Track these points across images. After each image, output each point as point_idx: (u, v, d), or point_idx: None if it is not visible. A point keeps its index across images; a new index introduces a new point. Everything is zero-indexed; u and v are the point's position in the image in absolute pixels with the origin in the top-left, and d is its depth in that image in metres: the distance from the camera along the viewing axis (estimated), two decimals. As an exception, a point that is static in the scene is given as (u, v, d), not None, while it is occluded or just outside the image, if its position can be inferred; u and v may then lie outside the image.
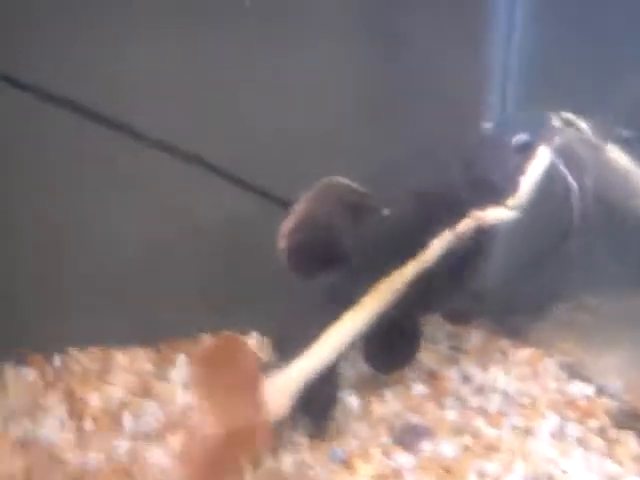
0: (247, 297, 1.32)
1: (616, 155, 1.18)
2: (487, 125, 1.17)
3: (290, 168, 1.26)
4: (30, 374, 1.22)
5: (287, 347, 1.01)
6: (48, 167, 1.22)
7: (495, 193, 1.04)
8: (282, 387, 0.97)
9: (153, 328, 1.32)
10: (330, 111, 1.31)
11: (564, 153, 1.08)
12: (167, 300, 1.31)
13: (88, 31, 1.20)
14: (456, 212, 1.03)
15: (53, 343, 1.29)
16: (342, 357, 1.04)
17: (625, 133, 1.16)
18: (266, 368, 1.00)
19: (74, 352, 1.29)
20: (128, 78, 1.22)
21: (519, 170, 1.05)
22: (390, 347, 1.10)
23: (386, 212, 1.01)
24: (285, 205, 1.12)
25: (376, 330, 1.03)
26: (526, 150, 1.05)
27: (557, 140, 1.07)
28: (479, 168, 1.06)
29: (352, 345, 1.03)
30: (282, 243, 0.99)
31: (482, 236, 1.03)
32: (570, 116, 1.13)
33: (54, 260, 1.27)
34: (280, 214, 1.13)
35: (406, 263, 1.01)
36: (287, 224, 0.99)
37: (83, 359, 1.28)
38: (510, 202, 1.04)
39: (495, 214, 1.03)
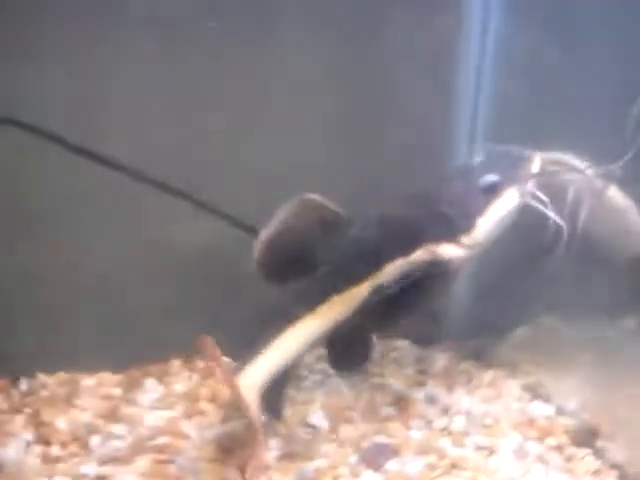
0: (218, 323, 1.34)
1: (611, 193, 1.21)
2: (474, 159, 1.21)
3: (259, 197, 1.30)
4: (-4, 398, 1.22)
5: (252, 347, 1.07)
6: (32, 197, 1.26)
7: (451, 229, 1.09)
8: (250, 383, 1.02)
9: (122, 353, 1.33)
10: (300, 142, 1.36)
11: (543, 190, 1.12)
12: (137, 326, 1.33)
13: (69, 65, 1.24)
14: (414, 241, 1.08)
15: (21, 367, 1.29)
16: (299, 357, 1.09)
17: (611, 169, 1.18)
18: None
19: (42, 377, 1.29)
20: (107, 112, 1.26)
21: (479, 210, 1.10)
22: (345, 353, 1.18)
23: (353, 231, 1.07)
24: (254, 233, 1.16)
25: (335, 337, 1.11)
26: (493, 191, 1.11)
27: (532, 179, 1.12)
28: (442, 203, 1.11)
29: (308, 347, 1.08)
30: (257, 250, 1.05)
31: (433, 268, 1.08)
32: (558, 155, 1.18)
33: (25, 285, 1.28)
34: (249, 241, 1.18)
35: (363, 281, 1.06)
36: (263, 233, 1.05)
37: (51, 383, 1.28)
38: (464, 240, 1.09)
39: (446, 250, 1.09)
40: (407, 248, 1.06)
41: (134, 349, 1.33)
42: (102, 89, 1.26)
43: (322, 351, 1.40)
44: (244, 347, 1.38)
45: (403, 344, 1.43)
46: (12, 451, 1.10)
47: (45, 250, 1.29)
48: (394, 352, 1.41)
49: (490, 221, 1.10)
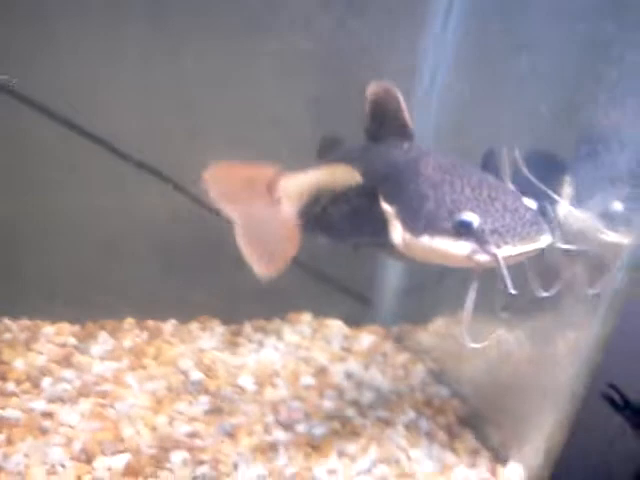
0: (168, 290, 1.48)
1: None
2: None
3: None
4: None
5: None
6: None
7: None
8: (295, 184, 1.02)
9: (81, 308, 1.46)
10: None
11: None
12: (97, 285, 1.45)
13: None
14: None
15: (-12, 311, 1.44)
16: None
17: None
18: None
19: (6, 321, 1.44)
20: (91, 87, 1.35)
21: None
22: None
23: None
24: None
25: None
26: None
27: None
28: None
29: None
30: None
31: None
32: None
33: (5, 239, 1.40)
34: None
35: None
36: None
37: (14, 328, 1.43)
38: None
39: None
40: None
41: (93, 305, 1.46)
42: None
43: (262, 323, 1.58)
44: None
45: (334, 323, 1.59)
46: (-29, 384, 1.26)
47: (21, 208, 1.40)
48: (325, 329, 1.57)
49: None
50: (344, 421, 1.26)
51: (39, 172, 1.39)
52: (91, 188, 1.43)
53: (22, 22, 1.30)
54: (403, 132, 1.07)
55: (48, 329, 1.44)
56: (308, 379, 1.39)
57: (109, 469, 1.09)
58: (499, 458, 1.19)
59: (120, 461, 1.11)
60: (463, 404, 1.31)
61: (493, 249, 0.89)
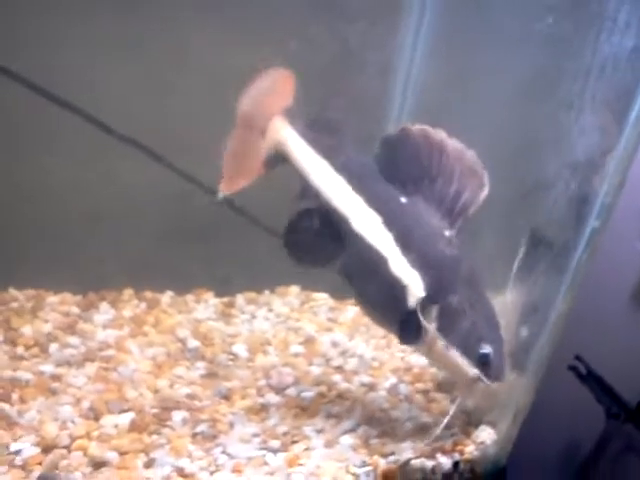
0: (166, 262, 1.57)
1: None
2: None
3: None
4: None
5: None
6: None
7: None
8: (283, 137, 1.14)
9: (84, 278, 1.54)
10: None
11: None
12: (99, 257, 1.52)
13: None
14: None
15: (-4, 281, 1.51)
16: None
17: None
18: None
19: (13, 291, 1.52)
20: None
21: None
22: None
23: None
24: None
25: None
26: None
27: None
28: None
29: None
30: None
31: None
32: None
33: (8, 213, 1.45)
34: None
35: None
36: None
37: (20, 298, 1.51)
38: None
39: None
40: None
41: (94, 276, 1.56)
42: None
43: (253, 295, 1.68)
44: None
45: (321, 296, 1.70)
46: (-17, 347, 1.35)
47: (25, 175, 1.46)
48: (313, 302, 1.68)
49: None
50: (330, 385, 1.37)
51: (29, 144, 1.44)
52: (84, 159, 1.49)
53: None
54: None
55: (52, 299, 1.53)
56: (297, 347, 1.49)
57: (116, 426, 1.19)
58: (471, 421, 1.31)
59: (125, 419, 1.20)
60: (440, 372, 1.43)
61: (491, 381, 1.11)
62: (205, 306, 1.62)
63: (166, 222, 1.54)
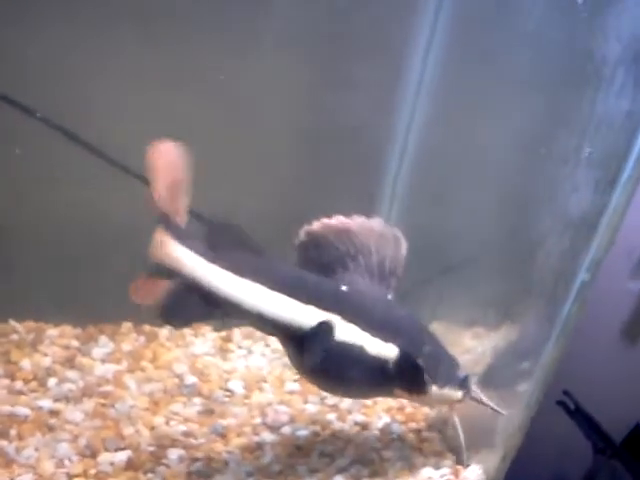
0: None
1: None
2: None
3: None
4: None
5: None
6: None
7: None
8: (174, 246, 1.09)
9: (83, 311, 1.55)
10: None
11: None
12: (97, 289, 1.52)
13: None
14: None
15: (-3, 314, 1.54)
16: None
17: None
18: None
19: (13, 323, 1.54)
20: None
21: None
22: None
23: None
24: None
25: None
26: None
27: None
28: None
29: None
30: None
31: None
32: None
33: (9, 244, 1.47)
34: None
35: None
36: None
37: (20, 330, 1.53)
38: None
39: None
40: None
41: (94, 309, 1.57)
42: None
43: (250, 330, 1.70)
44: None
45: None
46: (-18, 381, 1.36)
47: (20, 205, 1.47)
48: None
49: None
50: (325, 424, 1.39)
51: (30, 170, 1.44)
52: (87, 193, 1.49)
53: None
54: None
55: (52, 331, 1.55)
56: (293, 385, 1.51)
57: (112, 464, 1.21)
58: (462, 462, 1.33)
59: (122, 456, 1.22)
60: (432, 411, 1.45)
61: (473, 393, 1.24)
62: (203, 340, 1.64)
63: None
